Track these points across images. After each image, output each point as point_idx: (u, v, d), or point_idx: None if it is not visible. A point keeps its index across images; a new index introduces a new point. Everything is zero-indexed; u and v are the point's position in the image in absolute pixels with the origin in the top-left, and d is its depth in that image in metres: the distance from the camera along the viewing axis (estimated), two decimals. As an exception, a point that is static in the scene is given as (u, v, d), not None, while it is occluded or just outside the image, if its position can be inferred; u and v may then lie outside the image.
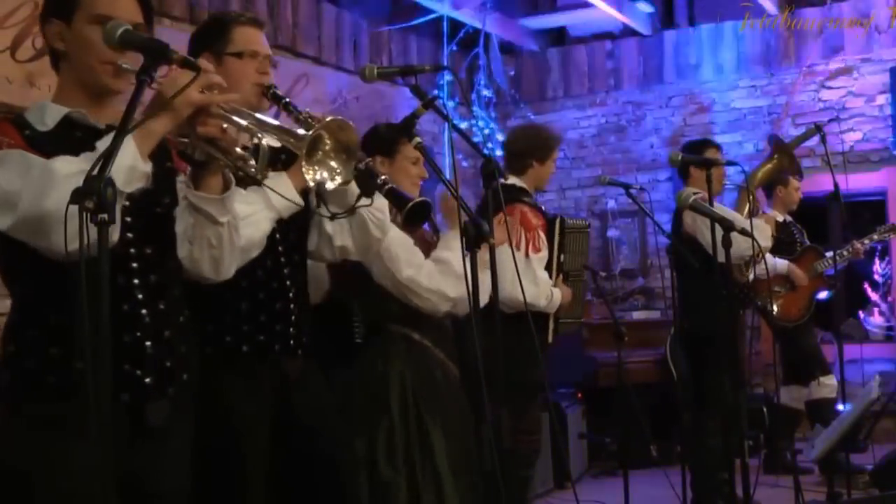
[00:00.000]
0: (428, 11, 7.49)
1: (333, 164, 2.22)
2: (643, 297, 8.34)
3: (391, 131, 3.41)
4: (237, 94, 2.24)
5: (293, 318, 2.68)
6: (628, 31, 8.69)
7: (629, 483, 4.71)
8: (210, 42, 2.69)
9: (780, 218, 6.27)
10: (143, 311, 2.19)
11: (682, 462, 4.85)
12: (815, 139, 5.43)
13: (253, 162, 2.24)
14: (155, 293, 2.23)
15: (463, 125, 7.89)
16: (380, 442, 3.19)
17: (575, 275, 4.54)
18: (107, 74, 2.21)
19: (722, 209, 4.89)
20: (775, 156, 5.94)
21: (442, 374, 3.31)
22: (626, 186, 4.62)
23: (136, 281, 2.19)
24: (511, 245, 3.69)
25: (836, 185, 5.17)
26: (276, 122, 2.26)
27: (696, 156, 4.94)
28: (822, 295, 6.33)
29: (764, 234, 5.09)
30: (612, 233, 8.57)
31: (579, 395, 6.75)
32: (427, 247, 3.37)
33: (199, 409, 2.52)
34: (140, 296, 2.20)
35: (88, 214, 1.73)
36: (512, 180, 4.42)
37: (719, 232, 3.81)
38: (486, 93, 8.55)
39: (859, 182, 7.53)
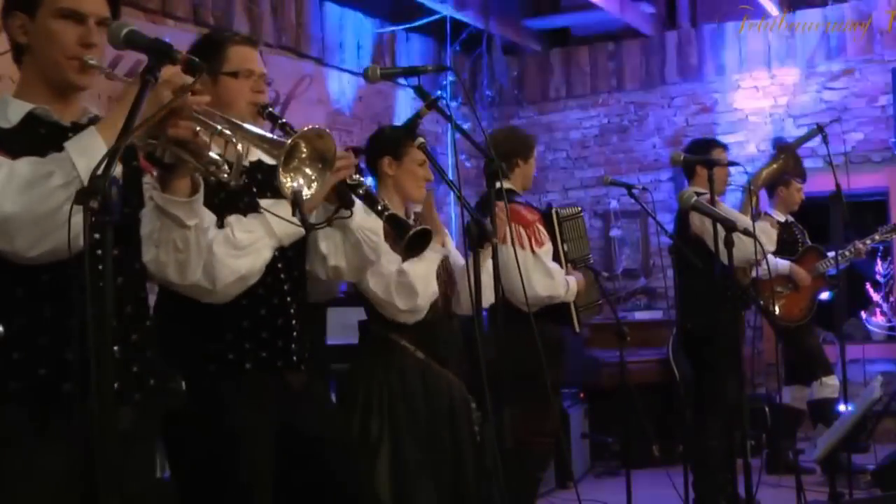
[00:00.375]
0: (431, 12, 7.50)
1: (309, 171, 2.22)
2: (645, 297, 8.34)
3: (397, 132, 3.42)
4: (209, 97, 2.19)
5: (295, 333, 2.68)
6: (631, 32, 8.69)
7: (631, 483, 4.71)
8: (204, 61, 2.68)
9: (782, 218, 6.27)
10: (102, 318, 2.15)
11: (685, 462, 4.86)
12: (817, 139, 5.43)
13: (226, 167, 2.18)
14: (122, 296, 2.16)
15: (466, 126, 7.90)
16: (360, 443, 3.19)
17: (582, 261, 4.56)
18: (73, 70, 2.16)
19: (725, 209, 4.90)
20: (779, 157, 5.93)
21: (421, 376, 3.28)
22: (629, 187, 4.63)
23: (101, 284, 2.07)
24: (514, 244, 3.69)
25: (837, 185, 5.18)
26: (254, 129, 2.24)
27: (698, 155, 4.95)
28: (824, 295, 6.33)
29: (770, 237, 5.10)
30: (614, 233, 8.58)
31: (582, 394, 6.76)
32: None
33: (205, 423, 2.54)
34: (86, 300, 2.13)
35: (92, 215, 1.69)
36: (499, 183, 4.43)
37: (721, 232, 3.81)
38: (488, 93, 8.56)
39: (861, 182, 7.53)
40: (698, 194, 4.19)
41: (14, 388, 2.05)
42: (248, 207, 2.61)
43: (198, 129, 2.13)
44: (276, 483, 2.62)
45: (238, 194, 2.58)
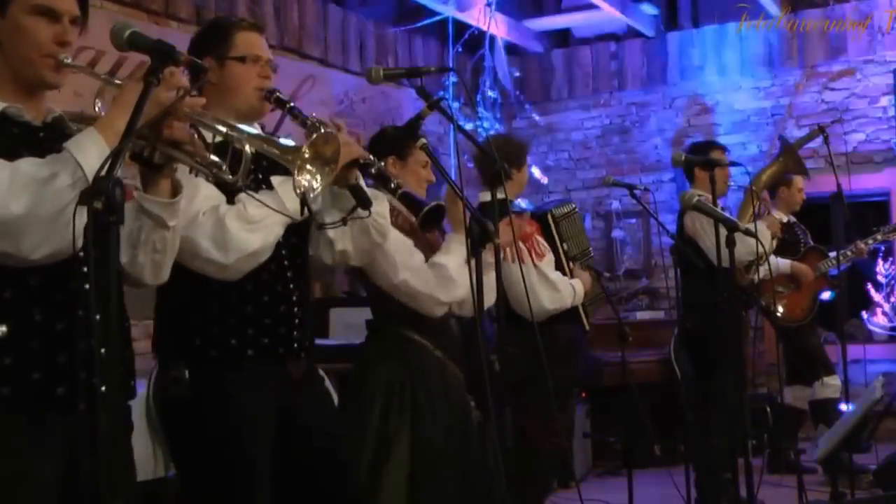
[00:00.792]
0: (433, 13, 7.51)
1: (312, 168, 2.23)
2: (647, 297, 8.35)
3: (400, 133, 3.43)
4: (203, 100, 2.19)
5: (297, 320, 2.69)
6: (632, 33, 8.70)
7: (633, 482, 4.72)
8: (212, 46, 2.69)
9: (785, 218, 6.28)
10: (96, 317, 2.09)
11: (686, 462, 4.86)
12: (819, 140, 5.44)
13: (226, 168, 2.17)
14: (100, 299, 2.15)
15: (468, 126, 7.91)
16: (370, 440, 3.20)
17: (583, 257, 4.57)
18: (47, 68, 2.13)
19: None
20: (779, 158, 5.95)
21: (440, 374, 3.32)
22: (631, 187, 4.63)
23: (87, 286, 2.04)
24: (520, 260, 3.71)
25: (839, 185, 5.18)
26: (256, 132, 2.26)
27: (699, 156, 4.96)
28: (825, 295, 6.34)
29: (763, 237, 5.11)
30: (616, 233, 8.58)
31: (583, 394, 6.76)
32: (435, 249, 3.39)
33: (206, 409, 2.55)
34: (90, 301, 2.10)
35: (94, 215, 1.68)
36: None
37: (722, 233, 3.82)
38: (490, 94, 8.56)
39: (862, 183, 7.54)
40: (699, 196, 4.20)
41: (6, 394, 2.02)
42: (258, 185, 2.60)
43: (195, 134, 2.12)
44: (273, 469, 2.63)
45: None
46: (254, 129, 2.28)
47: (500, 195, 2.79)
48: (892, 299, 7.64)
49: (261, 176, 2.62)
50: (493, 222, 2.67)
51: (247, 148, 2.17)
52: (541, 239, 4.32)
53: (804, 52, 8.07)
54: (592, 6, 7.91)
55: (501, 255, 2.93)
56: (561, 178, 8.99)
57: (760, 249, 4.11)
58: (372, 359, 3.33)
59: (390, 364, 3.26)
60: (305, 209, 2.49)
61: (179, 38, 2.86)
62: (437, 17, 7.59)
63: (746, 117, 8.29)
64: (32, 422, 2.04)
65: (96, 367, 1.74)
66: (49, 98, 2.26)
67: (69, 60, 2.13)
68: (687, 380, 5.23)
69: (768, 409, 6.60)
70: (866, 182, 7.66)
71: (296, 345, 2.69)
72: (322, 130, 2.34)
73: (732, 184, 5.59)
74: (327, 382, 3.06)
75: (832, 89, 7.99)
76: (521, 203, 3.73)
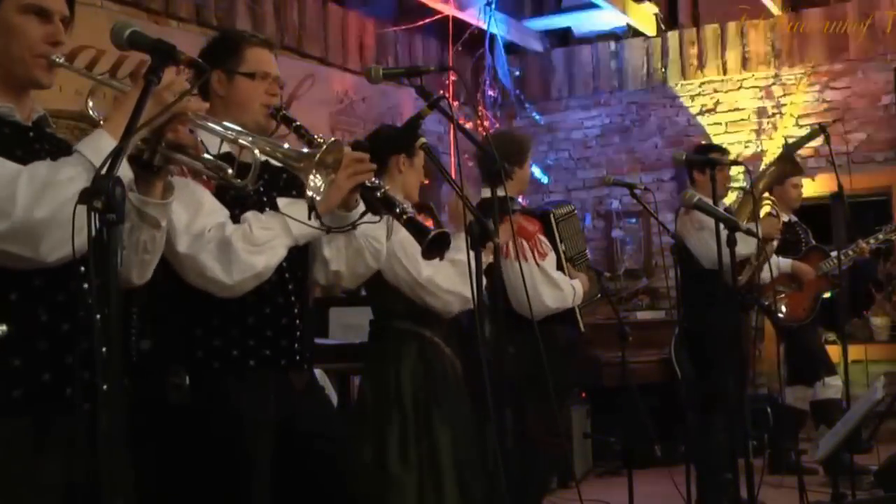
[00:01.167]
0: (433, 12, 7.50)
1: (318, 174, 2.27)
2: (648, 297, 8.34)
3: (401, 132, 3.43)
4: (206, 104, 2.21)
5: (298, 333, 2.69)
6: (633, 32, 8.70)
7: (633, 483, 4.72)
8: (221, 59, 2.70)
9: (786, 218, 6.26)
10: (97, 317, 2.09)
11: (687, 462, 4.85)
12: (820, 139, 5.42)
13: (231, 171, 2.20)
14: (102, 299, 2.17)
15: (468, 125, 7.90)
16: (391, 441, 3.20)
17: (579, 259, 4.56)
18: (39, 68, 2.11)
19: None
20: (772, 165, 5.91)
21: (452, 371, 3.33)
22: (631, 186, 4.62)
23: (86, 286, 2.06)
24: (517, 258, 3.70)
25: (839, 185, 5.17)
26: (274, 141, 2.29)
27: (699, 156, 4.95)
28: (826, 295, 6.33)
29: (747, 243, 5.10)
30: (616, 233, 8.58)
31: (583, 394, 6.75)
32: None
33: (207, 419, 2.55)
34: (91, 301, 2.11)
35: (97, 214, 1.69)
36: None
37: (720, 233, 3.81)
38: (491, 93, 8.56)
39: (863, 182, 7.52)
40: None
41: (17, 396, 2.02)
42: (261, 203, 2.62)
43: (199, 139, 2.12)
44: (273, 479, 2.63)
45: (257, 194, 2.59)
46: (267, 139, 2.31)
47: (500, 193, 2.78)
48: (894, 299, 7.63)
49: (265, 199, 2.64)
50: (494, 221, 2.66)
51: (256, 153, 2.19)
52: (543, 238, 4.32)
53: (805, 51, 8.06)
54: (593, 5, 7.90)
55: (502, 253, 2.93)
56: (561, 177, 8.98)
57: (761, 248, 4.10)
58: (388, 358, 3.32)
59: (408, 363, 3.26)
60: (314, 215, 2.51)
61: (179, 37, 2.86)
62: (438, 17, 7.59)
63: (747, 116, 8.28)
64: (39, 423, 2.04)
65: (97, 366, 1.74)
66: (52, 97, 2.27)
67: (61, 60, 2.12)
68: (687, 380, 5.22)
69: (769, 410, 6.60)
70: (867, 182, 7.65)
71: (297, 356, 2.69)
72: (331, 139, 2.36)
73: (733, 185, 5.59)
74: (328, 388, 3.06)
75: (833, 88, 7.98)
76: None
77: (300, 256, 2.75)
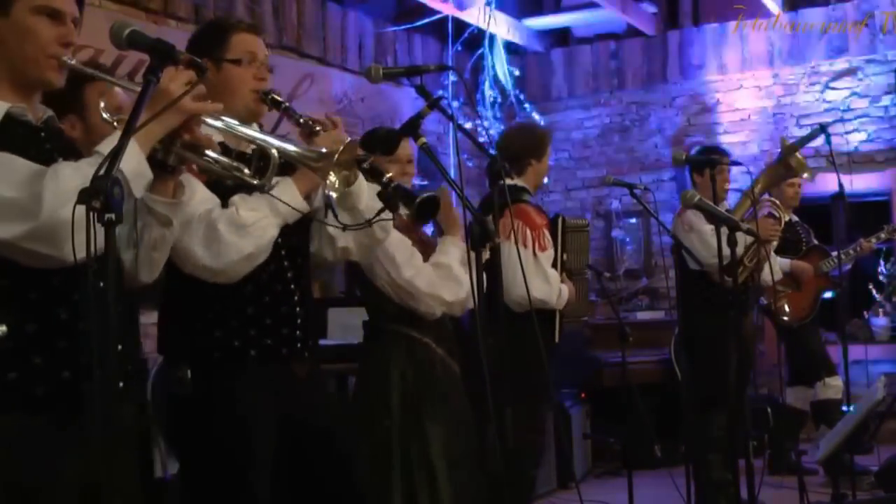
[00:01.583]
0: (433, 12, 7.49)
1: (335, 173, 2.34)
2: (647, 297, 8.33)
3: (393, 132, 3.42)
4: (221, 105, 2.24)
5: (299, 320, 2.68)
6: (632, 32, 8.69)
7: (633, 483, 4.71)
8: (208, 48, 2.69)
9: (786, 218, 6.25)
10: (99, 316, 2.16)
11: (687, 462, 4.84)
12: (820, 140, 5.41)
13: (247, 170, 2.26)
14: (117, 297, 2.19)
15: (467, 125, 7.89)
16: (378, 441, 3.20)
17: (578, 273, 4.55)
18: (51, 69, 2.14)
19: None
20: (774, 165, 5.89)
21: (443, 371, 3.32)
22: (631, 186, 4.62)
23: (101, 284, 2.07)
24: (517, 243, 3.69)
25: (840, 185, 5.16)
26: (283, 141, 2.33)
27: (700, 156, 4.95)
28: (827, 294, 6.32)
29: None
30: (616, 233, 8.57)
31: (583, 395, 6.75)
32: (427, 248, 3.38)
33: (209, 410, 2.55)
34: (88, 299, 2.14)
35: (95, 214, 1.71)
36: (513, 181, 4.43)
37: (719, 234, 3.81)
38: (490, 93, 8.55)
39: (864, 182, 7.53)
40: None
41: (40, 394, 2.04)
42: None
43: (212, 138, 2.19)
44: (275, 470, 2.63)
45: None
46: (283, 140, 2.36)
47: (502, 193, 2.77)
48: (894, 299, 7.63)
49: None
50: (494, 220, 2.66)
51: (274, 152, 2.25)
52: (547, 233, 4.32)
53: (805, 51, 8.05)
54: (592, 5, 7.90)
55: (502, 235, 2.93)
56: (561, 177, 8.97)
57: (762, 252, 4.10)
58: (378, 359, 3.32)
59: (398, 364, 3.25)
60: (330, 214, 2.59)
61: (178, 37, 2.85)
62: (437, 16, 7.58)
63: (747, 116, 8.28)
64: (59, 421, 2.05)
65: (95, 370, 1.76)
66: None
67: (72, 61, 2.15)
68: (687, 380, 5.21)
69: (769, 410, 6.59)
70: (867, 182, 7.65)
71: (299, 345, 2.68)
72: (322, 130, 2.47)
73: (734, 184, 5.58)
74: None
75: (833, 88, 7.97)
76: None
77: (300, 244, 2.76)
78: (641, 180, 7.50)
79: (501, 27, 8.23)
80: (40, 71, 2.13)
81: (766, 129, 8.15)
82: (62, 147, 2.18)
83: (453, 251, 3.26)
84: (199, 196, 2.51)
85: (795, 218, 6.40)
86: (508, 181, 4.40)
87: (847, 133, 7.73)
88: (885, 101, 7.77)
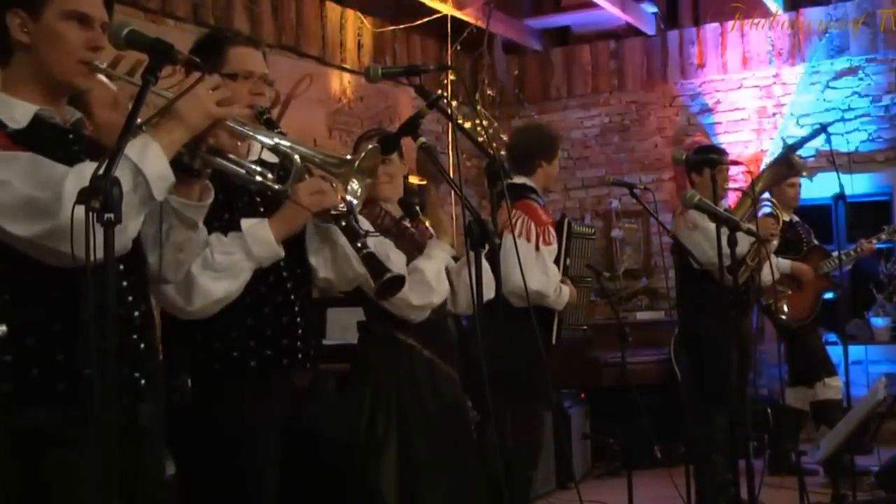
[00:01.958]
0: (432, 11, 7.48)
1: (356, 179, 2.42)
2: (647, 297, 8.33)
3: (398, 132, 3.42)
4: (249, 110, 2.31)
5: (300, 331, 2.68)
6: (632, 31, 8.68)
7: (633, 484, 4.70)
8: (204, 61, 2.67)
9: (787, 218, 6.24)
10: (136, 314, 2.18)
11: (687, 462, 4.84)
12: (820, 139, 5.41)
13: (270, 175, 2.31)
14: (140, 294, 2.21)
15: (467, 125, 7.88)
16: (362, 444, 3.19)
17: (579, 280, 4.54)
18: (81, 73, 2.16)
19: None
20: (773, 165, 5.88)
21: (429, 374, 3.29)
22: (630, 186, 4.62)
23: (125, 283, 2.16)
24: (518, 235, 3.67)
25: (840, 185, 5.16)
26: (306, 147, 2.38)
27: (700, 156, 4.94)
28: (827, 295, 6.32)
29: (741, 243, 5.10)
30: (616, 233, 8.56)
31: (583, 395, 6.74)
32: (420, 248, 3.36)
33: (210, 421, 2.55)
34: (130, 298, 2.17)
35: (94, 214, 1.72)
36: (521, 180, 4.43)
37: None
38: (490, 92, 8.54)
39: (864, 182, 7.52)
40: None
41: (62, 389, 2.06)
42: (229, 225, 2.59)
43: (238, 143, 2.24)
44: (282, 479, 2.63)
45: (218, 210, 2.54)
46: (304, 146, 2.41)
47: (501, 196, 2.76)
48: (894, 300, 7.62)
49: (226, 216, 2.60)
50: (494, 220, 2.66)
51: (296, 158, 2.30)
52: (553, 231, 4.31)
53: (805, 51, 8.04)
54: (592, 4, 7.88)
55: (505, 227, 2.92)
56: (561, 177, 8.92)
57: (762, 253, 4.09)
58: (363, 362, 3.32)
59: (379, 367, 3.24)
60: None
61: (177, 36, 2.84)
62: (436, 16, 7.56)
63: (747, 116, 8.27)
64: (80, 416, 2.05)
65: (95, 368, 1.78)
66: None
67: (103, 66, 2.18)
68: (687, 380, 5.20)
69: (769, 410, 6.59)
70: (868, 182, 7.64)
71: (300, 355, 2.68)
72: (370, 146, 2.51)
73: (733, 184, 5.57)
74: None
75: (834, 88, 7.96)
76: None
77: (299, 254, 2.75)
78: (641, 180, 7.51)
79: (500, 26, 8.22)
80: (70, 75, 2.16)
81: (767, 129, 8.14)
82: (90, 148, 2.19)
83: (437, 254, 3.24)
84: None
85: (796, 218, 6.39)
86: (517, 179, 4.40)
87: (847, 133, 7.72)
88: (886, 100, 7.76)
